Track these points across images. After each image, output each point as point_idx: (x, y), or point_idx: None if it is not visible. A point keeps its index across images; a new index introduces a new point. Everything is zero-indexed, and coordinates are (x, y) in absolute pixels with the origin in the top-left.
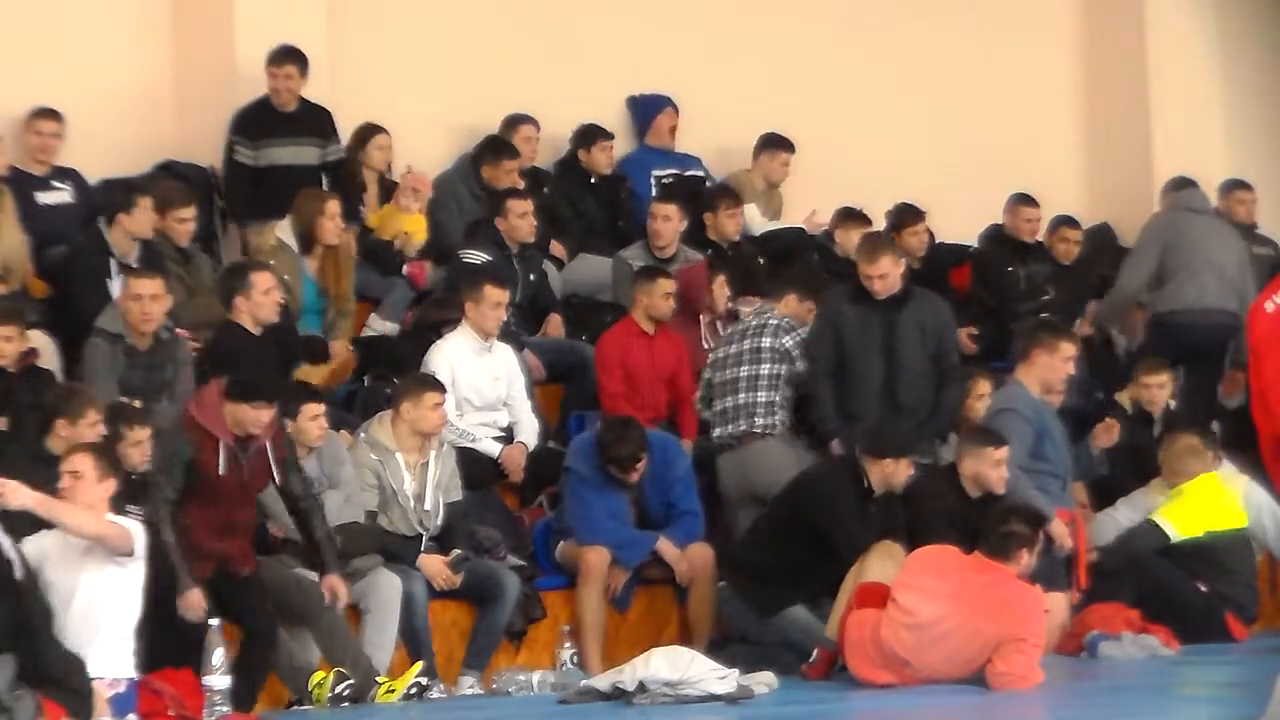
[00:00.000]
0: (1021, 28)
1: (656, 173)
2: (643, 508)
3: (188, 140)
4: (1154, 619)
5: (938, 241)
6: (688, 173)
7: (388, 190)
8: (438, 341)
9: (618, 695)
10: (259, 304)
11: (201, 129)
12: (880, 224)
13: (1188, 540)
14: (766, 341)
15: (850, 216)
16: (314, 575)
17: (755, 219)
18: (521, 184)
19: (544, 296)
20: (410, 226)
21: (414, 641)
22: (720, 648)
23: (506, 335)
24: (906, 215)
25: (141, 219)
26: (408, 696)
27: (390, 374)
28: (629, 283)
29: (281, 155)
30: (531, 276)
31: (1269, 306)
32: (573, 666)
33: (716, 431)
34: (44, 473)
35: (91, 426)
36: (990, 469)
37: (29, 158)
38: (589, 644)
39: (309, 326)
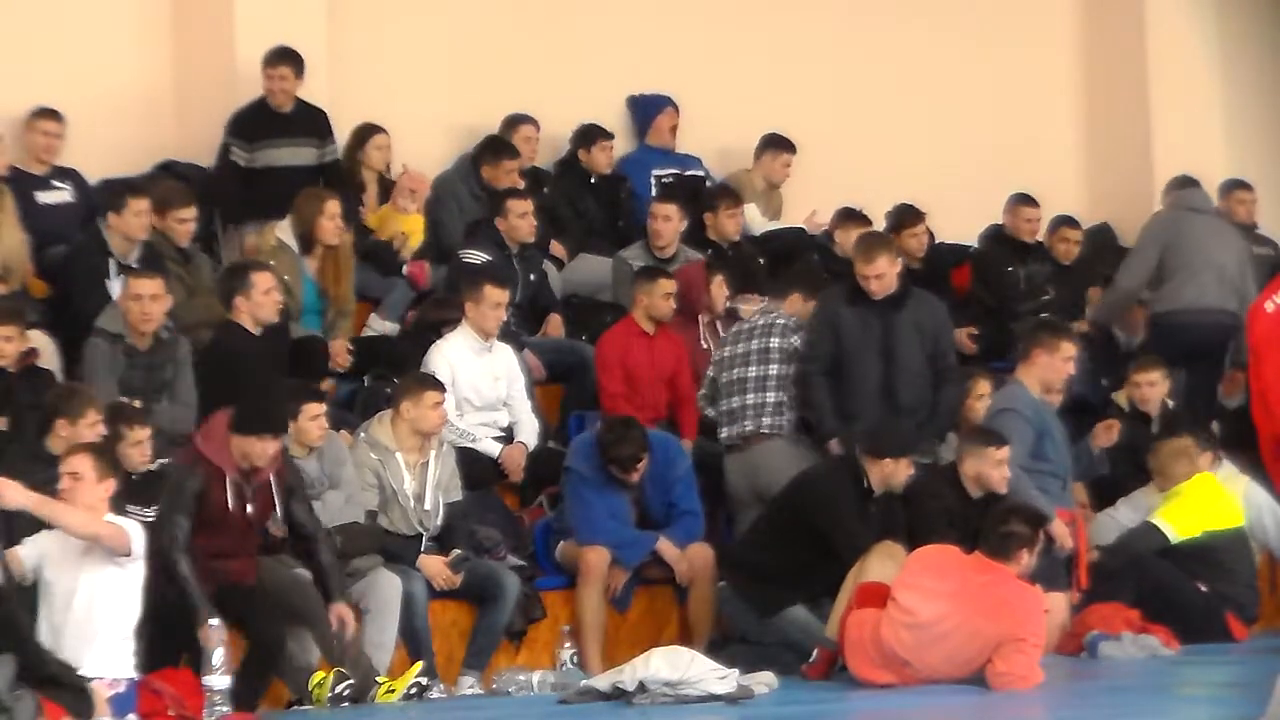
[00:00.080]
0: (1021, 28)
1: (656, 172)
2: (643, 508)
3: (188, 140)
4: (1154, 619)
5: (938, 241)
6: (688, 172)
7: (387, 190)
8: (438, 341)
9: (618, 695)
10: (259, 304)
11: (201, 129)
12: (880, 224)
13: (1186, 541)
14: (775, 341)
15: (850, 217)
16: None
17: (755, 219)
18: (521, 184)
19: (544, 296)
20: (407, 227)
21: (414, 641)
22: (720, 648)
23: (506, 335)
24: (906, 216)
25: (131, 220)
26: (408, 696)
27: (390, 374)
28: (629, 283)
29: (278, 156)
30: (531, 276)
31: (1269, 306)
32: (573, 666)
33: (724, 432)
34: (44, 473)
35: (91, 426)
36: (992, 469)
37: (29, 158)
38: (589, 644)
39: (309, 326)
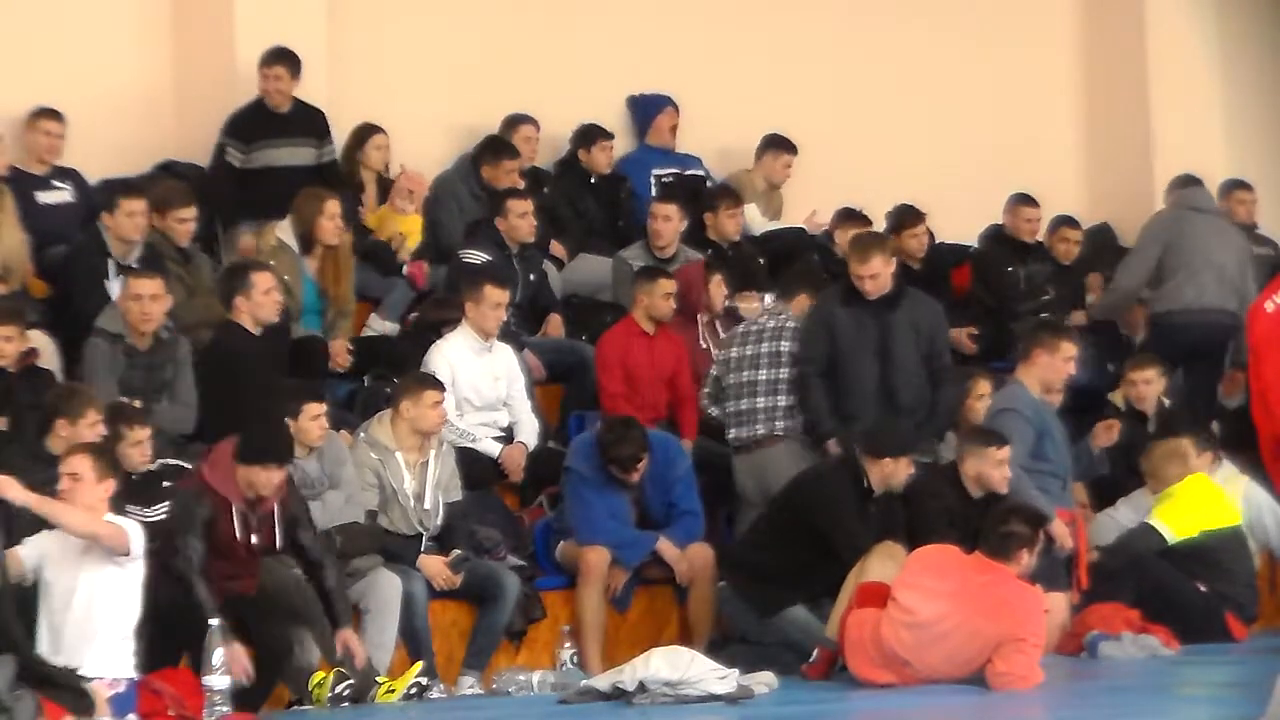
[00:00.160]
0: (1021, 28)
1: (657, 172)
2: (643, 508)
3: (188, 140)
4: (1154, 619)
5: (938, 241)
6: (688, 172)
7: (386, 190)
8: (438, 341)
9: (618, 695)
10: (259, 304)
11: (201, 129)
12: (880, 224)
13: (1184, 541)
14: (785, 345)
15: (850, 217)
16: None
17: (755, 219)
18: (521, 184)
19: (544, 296)
20: (405, 227)
21: (414, 641)
22: (720, 648)
23: (506, 335)
24: (907, 217)
25: (123, 220)
26: (408, 696)
27: (390, 374)
28: (629, 283)
29: (277, 156)
30: (531, 276)
31: (1269, 306)
32: (573, 666)
33: (732, 433)
34: (44, 473)
35: (91, 426)
36: (993, 469)
37: (31, 157)
38: (589, 644)
39: (309, 326)
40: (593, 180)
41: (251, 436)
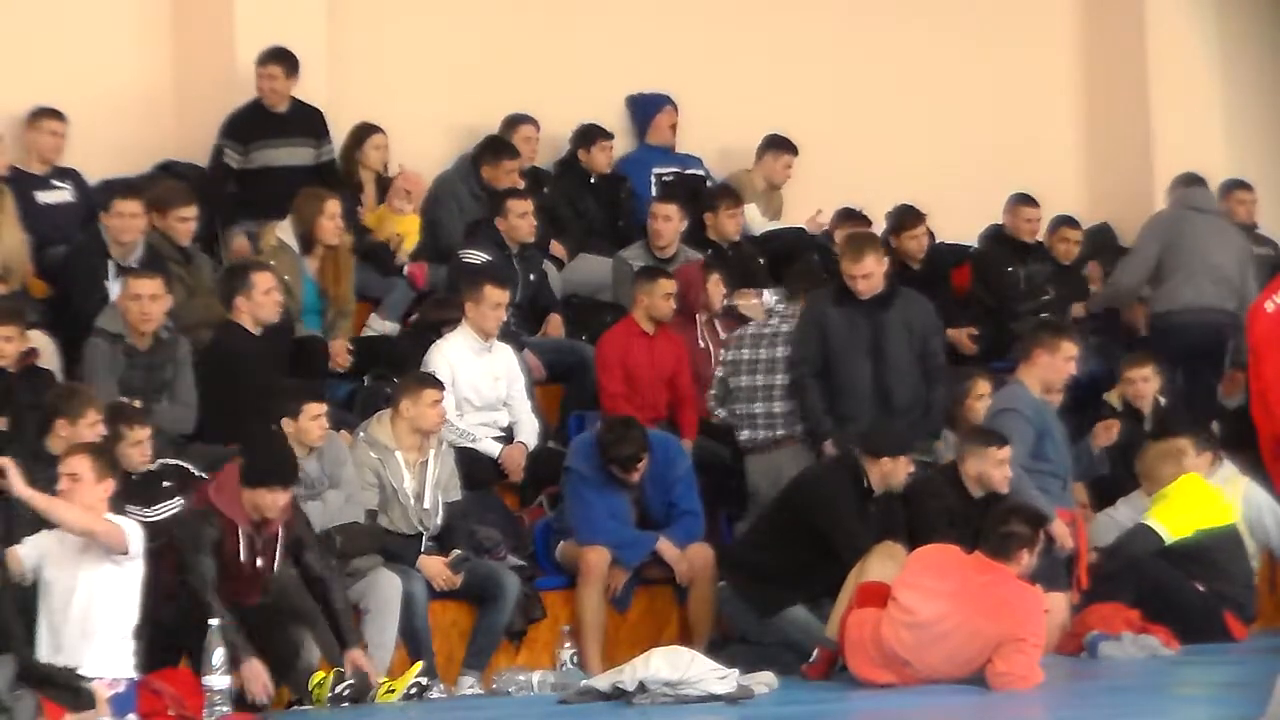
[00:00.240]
0: (1021, 28)
1: (657, 171)
2: (643, 508)
3: (188, 140)
4: (1154, 619)
5: (938, 241)
6: (688, 171)
7: (385, 190)
8: (438, 341)
9: (618, 695)
10: (260, 304)
11: (201, 129)
12: (880, 225)
13: (1181, 541)
14: None
15: (850, 217)
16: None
17: (755, 219)
18: (521, 184)
19: (544, 296)
20: (403, 228)
21: (414, 641)
22: (720, 648)
23: (506, 335)
24: (907, 218)
25: (118, 221)
26: (408, 696)
27: (390, 374)
28: (629, 283)
29: (275, 156)
30: (531, 276)
31: (1269, 306)
32: (573, 666)
33: (745, 434)
34: (44, 473)
35: (91, 426)
36: (993, 469)
37: (33, 157)
38: (589, 644)
39: (309, 326)
40: (593, 180)
41: (255, 459)
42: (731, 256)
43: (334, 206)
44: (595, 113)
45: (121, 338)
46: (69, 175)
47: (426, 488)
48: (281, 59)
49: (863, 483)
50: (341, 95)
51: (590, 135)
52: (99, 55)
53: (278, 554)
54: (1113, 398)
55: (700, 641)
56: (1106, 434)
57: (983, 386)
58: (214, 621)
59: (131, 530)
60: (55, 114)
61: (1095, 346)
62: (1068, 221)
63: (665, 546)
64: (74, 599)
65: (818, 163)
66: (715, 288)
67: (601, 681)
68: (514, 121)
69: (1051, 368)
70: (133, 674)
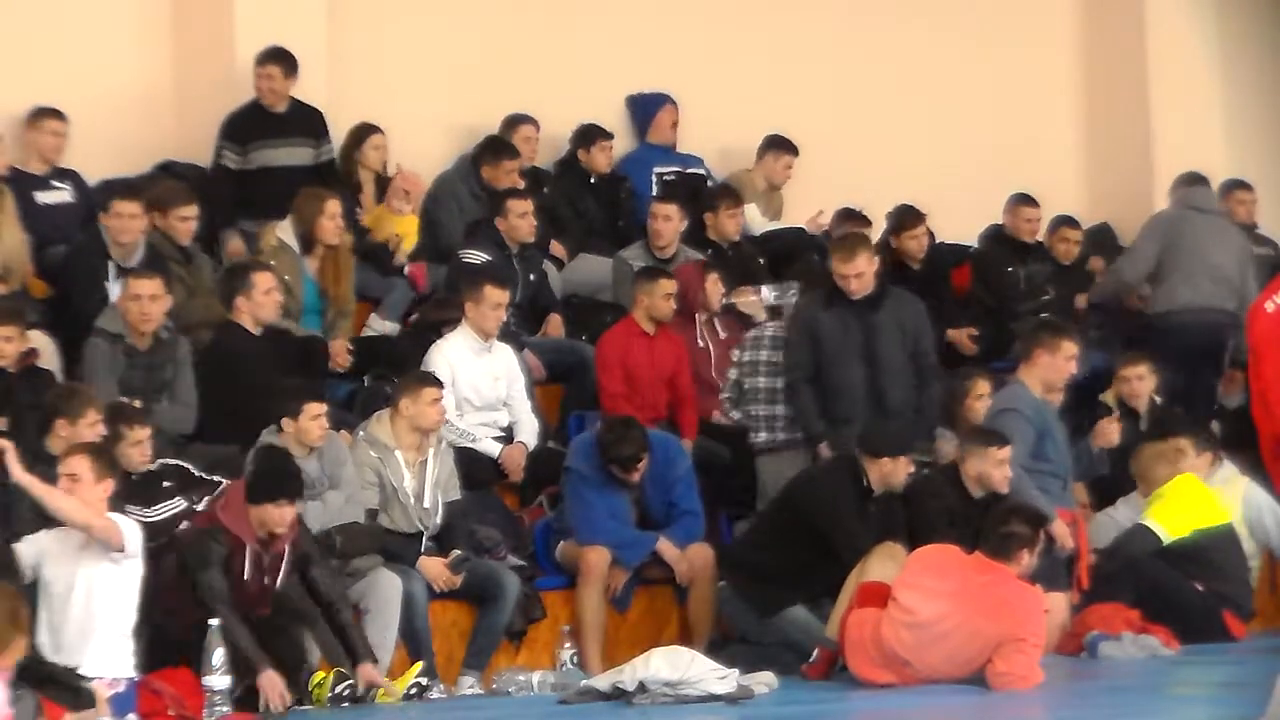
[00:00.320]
0: (1021, 28)
1: (659, 170)
2: (643, 508)
3: (188, 140)
4: (1153, 619)
5: (938, 241)
6: (689, 170)
7: (384, 190)
8: (438, 341)
9: (618, 695)
10: (260, 304)
11: (201, 129)
12: (881, 225)
13: (1178, 541)
14: None
15: (850, 217)
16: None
17: (755, 219)
18: (521, 184)
19: (544, 296)
20: (402, 228)
21: (414, 641)
22: (720, 648)
23: (506, 335)
24: (907, 218)
25: (116, 222)
26: (408, 696)
27: (390, 374)
28: (629, 283)
29: (274, 156)
30: (531, 276)
31: (1269, 306)
32: (573, 666)
33: (764, 436)
34: (44, 473)
35: (91, 426)
36: (994, 469)
37: (33, 157)
38: (589, 644)
39: (309, 326)
40: (593, 180)
41: (259, 476)
42: (731, 257)
43: (334, 206)
44: (595, 113)
45: (121, 338)
46: (69, 176)
47: (426, 487)
48: (280, 59)
49: (862, 483)
50: (341, 95)
51: (590, 135)
52: (99, 55)
53: (283, 571)
54: (1108, 397)
55: (700, 641)
56: (1107, 433)
57: (983, 386)
58: (214, 622)
59: (129, 528)
60: (55, 114)
61: (1097, 341)
62: (1068, 221)
63: (665, 546)
64: (73, 597)
65: (818, 163)
66: (714, 287)
67: (601, 681)
68: (514, 121)
69: (1052, 367)
70: (132, 674)
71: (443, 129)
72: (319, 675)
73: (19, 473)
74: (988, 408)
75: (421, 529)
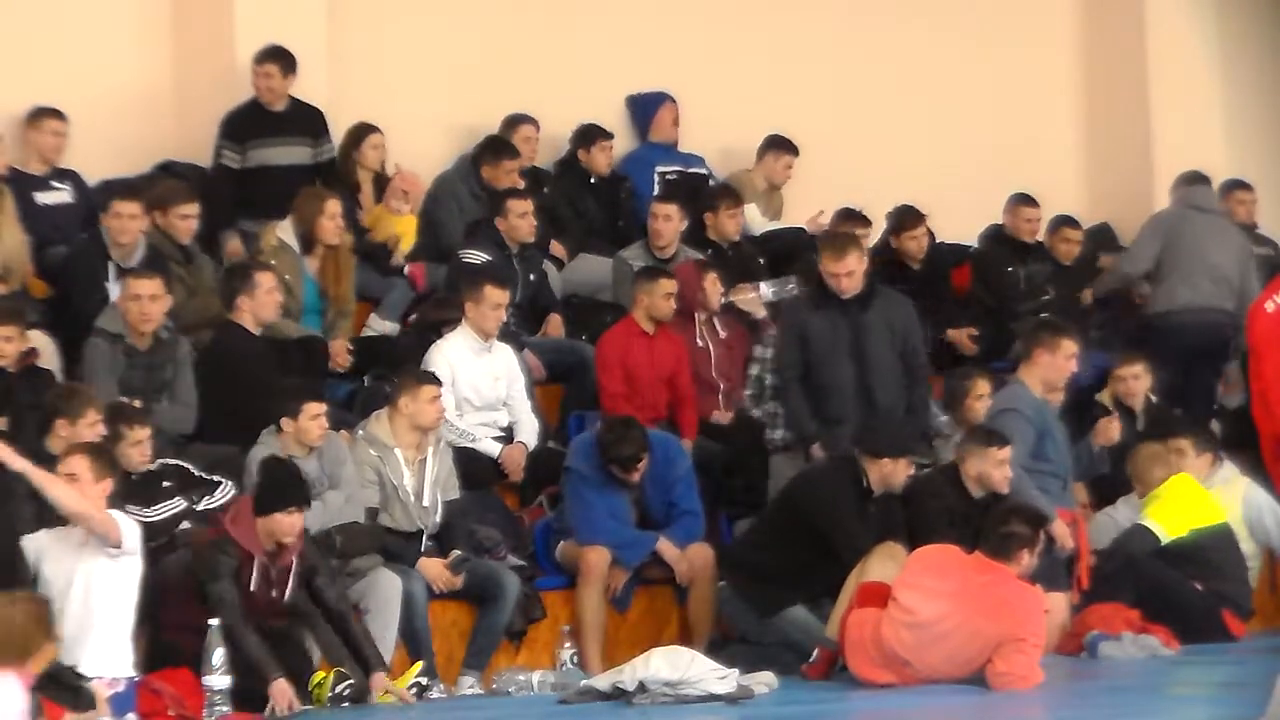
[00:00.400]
0: (1021, 28)
1: (660, 169)
2: (643, 508)
3: (188, 140)
4: (1153, 619)
5: (938, 241)
6: (691, 170)
7: (383, 190)
8: (438, 341)
9: (618, 695)
10: (261, 304)
11: (201, 129)
12: (881, 225)
13: (1176, 541)
14: None
15: (850, 217)
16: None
17: (755, 219)
18: (521, 184)
19: (544, 296)
20: (400, 229)
21: (414, 641)
22: (720, 648)
23: (506, 335)
24: (907, 218)
25: (116, 223)
26: None
27: (390, 374)
28: (629, 283)
29: (273, 155)
30: (531, 276)
31: (1269, 306)
32: (573, 666)
33: (779, 433)
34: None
35: (91, 426)
36: (994, 469)
37: (33, 157)
38: (589, 644)
39: (309, 326)
40: (593, 180)
41: (266, 487)
42: (731, 256)
43: (334, 206)
44: (595, 113)
45: (121, 338)
46: (68, 176)
47: (426, 485)
48: (278, 58)
49: (862, 483)
50: (341, 95)
51: (590, 135)
52: (99, 55)
53: (291, 585)
54: (1104, 396)
55: (700, 641)
56: (1107, 432)
57: (983, 386)
58: (213, 622)
59: (126, 525)
60: (55, 114)
61: (1098, 341)
62: (1068, 221)
63: (665, 546)
64: (71, 593)
65: (818, 163)
66: (713, 287)
67: (601, 681)
68: (514, 121)
69: (1052, 367)
70: (132, 673)
71: (443, 129)
72: (319, 675)
73: (18, 461)
74: (988, 408)
75: (421, 527)
